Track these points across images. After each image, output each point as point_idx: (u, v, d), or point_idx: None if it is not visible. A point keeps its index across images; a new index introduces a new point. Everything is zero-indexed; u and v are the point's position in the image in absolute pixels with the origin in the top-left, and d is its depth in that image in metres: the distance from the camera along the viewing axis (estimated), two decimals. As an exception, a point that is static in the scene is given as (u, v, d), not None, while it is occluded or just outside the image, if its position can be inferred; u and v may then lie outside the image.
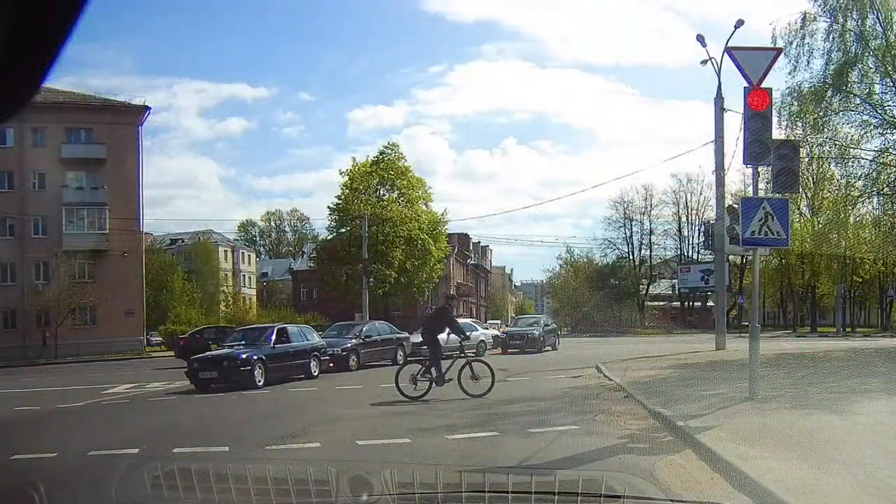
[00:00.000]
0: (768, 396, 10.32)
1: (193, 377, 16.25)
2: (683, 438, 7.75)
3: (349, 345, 21.03)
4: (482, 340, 27.95)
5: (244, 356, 16.27)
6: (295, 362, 17.95)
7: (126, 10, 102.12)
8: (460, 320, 29.47)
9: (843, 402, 9.95)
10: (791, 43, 21.85)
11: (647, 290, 72.24)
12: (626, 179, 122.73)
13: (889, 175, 22.80)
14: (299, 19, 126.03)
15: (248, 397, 14.55)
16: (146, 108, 43.54)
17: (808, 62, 21.85)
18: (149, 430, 10.38)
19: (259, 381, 15.95)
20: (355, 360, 20.78)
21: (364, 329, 22.34)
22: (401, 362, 20.86)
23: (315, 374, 18.25)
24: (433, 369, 12.60)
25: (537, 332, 29.53)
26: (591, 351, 28.12)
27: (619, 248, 72.15)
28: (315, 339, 19.89)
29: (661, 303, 74.57)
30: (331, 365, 19.61)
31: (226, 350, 17.45)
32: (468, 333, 27.28)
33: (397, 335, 23.87)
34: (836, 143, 22.76)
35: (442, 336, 13.80)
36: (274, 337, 17.75)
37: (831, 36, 21.56)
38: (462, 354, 13.03)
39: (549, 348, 29.98)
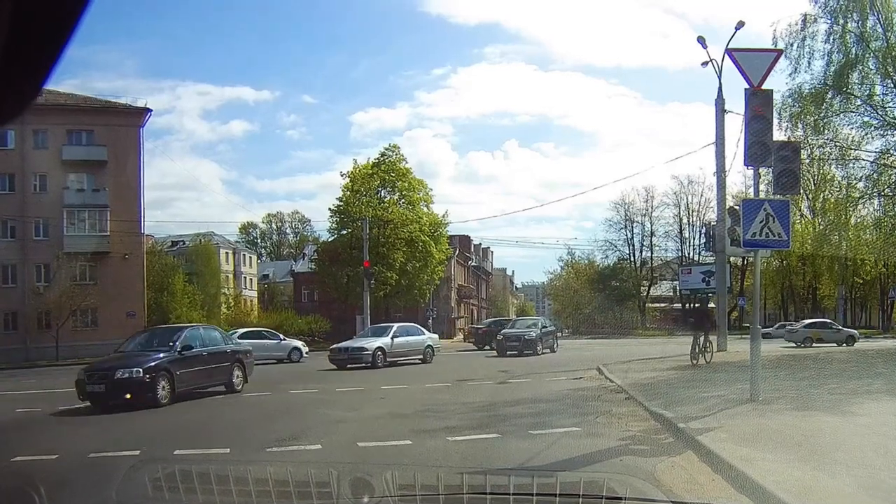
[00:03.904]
0: (770, 398, 10.32)
1: None
2: (685, 440, 7.74)
3: (156, 363, 13.65)
4: (429, 345, 25.94)
5: None
6: None
7: (130, 13, 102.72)
8: (406, 324, 27.56)
9: (845, 404, 9.95)
10: (792, 44, 21.92)
11: (648, 292, 72.14)
12: (627, 181, 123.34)
13: (890, 176, 22.81)
14: (302, 22, 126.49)
15: (248, 399, 14.55)
16: (147, 111, 43.55)
17: (809, 64, 21.91)
18: (149, 432, 10.37)
19: None
20: (167, 386, 13.53)
21: (183, 337, 14.81)
22: (238, 389, 15.64)
23: None
24: (704, 345, 18.20)
25: (534, 334, 28.83)
26: (592, 352, 28.10)
27: (620, 250, 72.09)
28: None
29: (663, 304, 74.43)
30: (127, 397, 12.91)
31: None
32: (422, 336, 26.21)
33: (233, 347, 16.90)
34: (837, 144, 22.79)
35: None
36: None
37: (832, 37, 21.62)
38: (706, 338, 18.40)
39: (548, 350, 29.37)
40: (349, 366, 22.32)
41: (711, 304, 22.65)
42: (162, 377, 13.58)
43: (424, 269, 51.87)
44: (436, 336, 27.27)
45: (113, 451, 8.34)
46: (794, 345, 31.41)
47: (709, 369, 16.89)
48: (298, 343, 31.80)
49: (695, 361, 17.87)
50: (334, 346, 24.94)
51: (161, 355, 14.06)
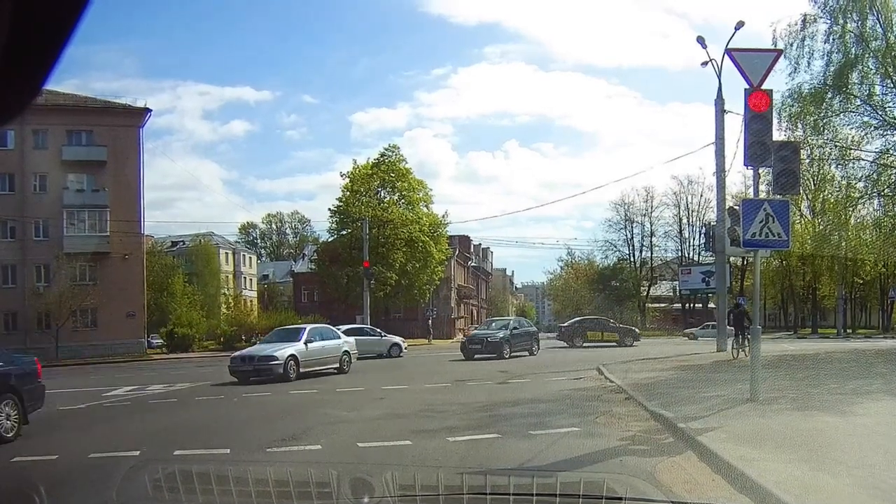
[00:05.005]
0: (770, 398, 10.32)
1: None
2: (685, 440, 7.74)
3: None
4: (346, 351, 21.61)
5: None
6: None
7: (130, 13, 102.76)
8: (319, 325, 23.52)
9: (845, 404, 9.94)
10: (791, 44, 21.89)
11: (648, 292, 72.17)
12: (626, 181, 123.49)
13: (890, 176, 22.78)
14: (302, 22, 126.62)
15: (248, 399, 14.56)
16: (147, 111, 43.58)
17: (809, 63, 21.88)
18: (150, 432, 10.37)
19: None
20: None
21: None
22: (9, 437, 9.54)
23: None
24: (741, 341, 19.88)
25: (501, 336, 26.71)
26: (591, 353, 28.08)
27: (619, 250, 72.17)
28: None
29: (662, 304, 74.49)
30: None
31: None
32: (338, 341, 21.70)
33: (5, 369, 10.15)
34: (837, 144, 22.76)
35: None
36: None
37: (831, 37, 21.59)
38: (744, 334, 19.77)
39: (525, 353, 27.38)
40: (252, 379, 18.13)
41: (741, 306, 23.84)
42: None
43: (424, 270, 51.89)
44: (352, 340, 23.07)
45: (113, 451, 8.33)
46: None
47: (712, 369, 16.94)
48: (398, 339, 32.62)
49: (735, 355, 19.74)
50: (236, 353, 20.58)
51: None
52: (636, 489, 3.32)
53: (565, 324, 41.58)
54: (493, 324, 31.16)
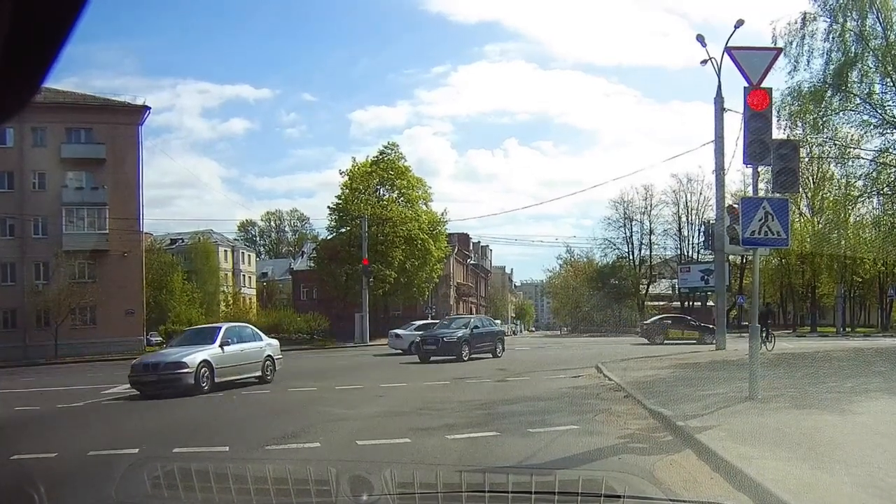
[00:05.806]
0: (768, 396, 10.33)
1: None
2: (683, 438, 7.75)
3: None
4: (268, 355, 18.05)
5: None
6: None
7: (129, 11, 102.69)
8: (236, 324, 19.92)
9: (844, 402, 9.95)
10: (791, 43, 21.92)
11: (647, 290, 72.12)
12: (626, 179, 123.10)
13: (889, 175, 22.81)
14: (302, 20, 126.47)
15: (247, 397, 14.56)
16: (146, 108, 43.53)
17: (808, 62, 21.91)
18: (149, 430, 10.37)
19: None
20: None
21: None
22: None
23: None
24: (766, 337, 21.83)
25: (459, 335, 24.76)
26: (590, 350, 28.09)
27: (618, 248, 72.09)
28: None
29: (661, 302, 74.41)
30: None
31: None
32: (259, 343, 18.19)
33: None
34: (836, 142, 22.80)
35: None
36: None
37: (831, 36, 21.62)
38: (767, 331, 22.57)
39: (488, 355, 25.35)
40: (157, 392, 14.91)
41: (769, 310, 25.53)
42: None
43: (423, 268, 51.90)
44: (276, 343, 19.51)
45: (112, 449, 8.33)
46: None
47: (711, 367, 16.98)
48: None
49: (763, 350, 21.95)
50: (136, 360, 17.05)
51: None
52: (635, 487, 3.32)
53: (647, 321, 40.81)
54: (453, 322, 28.39)
